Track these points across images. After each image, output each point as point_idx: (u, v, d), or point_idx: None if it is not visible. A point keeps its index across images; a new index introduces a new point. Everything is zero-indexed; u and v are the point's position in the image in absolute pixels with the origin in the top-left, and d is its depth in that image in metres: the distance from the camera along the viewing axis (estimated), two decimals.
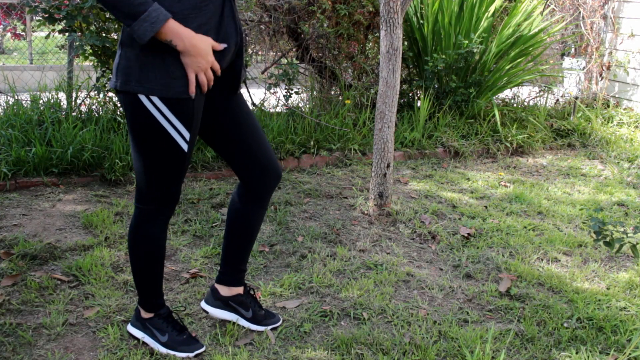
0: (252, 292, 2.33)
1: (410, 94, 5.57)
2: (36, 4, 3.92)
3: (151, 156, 1.87)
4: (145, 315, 2.14)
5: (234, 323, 2.30)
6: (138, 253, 2.03)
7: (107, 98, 4.36)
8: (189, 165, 1.98)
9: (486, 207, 3.81)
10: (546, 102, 6.18)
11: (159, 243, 2.03)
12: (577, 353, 2.24)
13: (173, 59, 1.77)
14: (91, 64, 4.37)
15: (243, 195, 2.14)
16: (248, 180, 2.11)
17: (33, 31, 7.75)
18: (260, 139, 2.08)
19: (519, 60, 5.46)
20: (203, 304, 2.29)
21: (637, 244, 2.20)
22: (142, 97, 1.79)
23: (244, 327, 2.30)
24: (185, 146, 1.88)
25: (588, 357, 2.22)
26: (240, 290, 2.28)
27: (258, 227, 2.20)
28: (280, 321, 2.34)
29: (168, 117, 1.82)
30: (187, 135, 1.87)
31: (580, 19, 6.73)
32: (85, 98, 4.42)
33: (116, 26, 4.18)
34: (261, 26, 5.21)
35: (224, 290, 2.26)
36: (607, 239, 2.24)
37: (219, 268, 2.29)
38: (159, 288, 2.12)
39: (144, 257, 2.04)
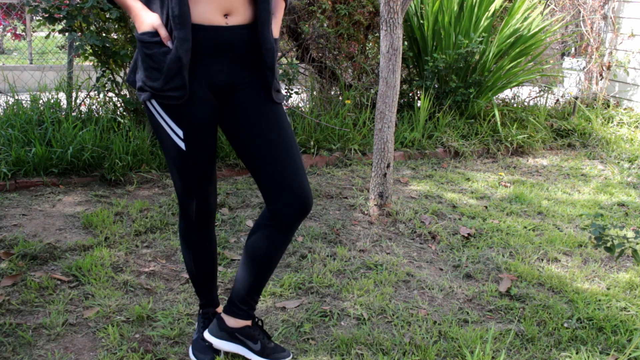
0: (260, 323, 2.14)
1: (410, 94, 5.57)
2: (36, 4, 3.92)
3: (165, 155, 1.95)
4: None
5: None
6: (183, 250, 2.11)
7: (107, 98, 4.36)
8: (200, 165, 1.91)
9: (486, 207, 3.81)
10: (546, 102, 6.18)
11: (197, 239, 2.06)
12: (577, 353, 2.24)
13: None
14: (91, 64, 4.36)
15: (266, 220, 1.94)
16: (272, 205, 1.90)
17: (33, 31, 7.74)
18: (291, 160, 1.88)
19: (519, 60, 5.46)
20: (206, 334, 2.09)
21: (638, 244, 2.20)
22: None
23: None
24: (182, 144, 1.87)
25: (588, 357, 2.22)
26: (248, 322, 2.08)
27: (278, 258, 2.00)
28: (290, 357, 2.13)
29: (163, 117, 1.86)
30: (180, 132, 1.86)
31: (580, 18, 6.73)
32: (85, 98, 4.42)
33: (116, 26, 4.18)
34: None
35: (231, 322, 2.07)
36: (608, 244, 2.23)
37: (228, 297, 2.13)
38: (207, 286, 2.15)
39: (187, 254, 2.09)
